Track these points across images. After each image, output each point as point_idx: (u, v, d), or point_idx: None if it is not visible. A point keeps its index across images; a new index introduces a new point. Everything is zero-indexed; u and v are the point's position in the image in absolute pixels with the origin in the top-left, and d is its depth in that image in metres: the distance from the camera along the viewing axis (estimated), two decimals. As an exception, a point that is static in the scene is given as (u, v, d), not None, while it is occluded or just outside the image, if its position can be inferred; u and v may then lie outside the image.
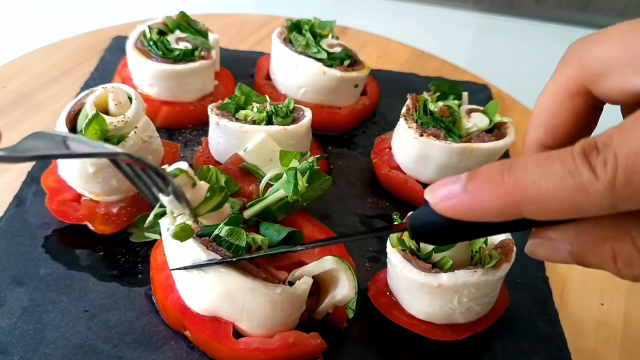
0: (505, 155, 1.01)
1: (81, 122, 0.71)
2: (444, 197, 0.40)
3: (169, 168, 0.56)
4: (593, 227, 0.39)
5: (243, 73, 1.07)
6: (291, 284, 0.66)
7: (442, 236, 0.45)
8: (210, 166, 0.72)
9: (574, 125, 0.42)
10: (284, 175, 0.71)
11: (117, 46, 1.10)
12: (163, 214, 0.59)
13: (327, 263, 0.67)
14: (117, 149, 0.51)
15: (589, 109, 0.43)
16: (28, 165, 0.83)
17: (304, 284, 0.62)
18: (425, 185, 0.86)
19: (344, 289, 0.66)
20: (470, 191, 0.39)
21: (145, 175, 0.53)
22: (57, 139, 0.48)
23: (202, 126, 0.94)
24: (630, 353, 0.75)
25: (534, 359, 0.70)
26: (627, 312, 0.80)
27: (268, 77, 1.05)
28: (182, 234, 0.57)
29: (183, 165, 0.56)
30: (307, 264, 0.67)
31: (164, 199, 0.54)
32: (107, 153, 0.51)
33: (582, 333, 0.77)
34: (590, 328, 0.78)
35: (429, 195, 0.42)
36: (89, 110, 0.70)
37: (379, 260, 0.78)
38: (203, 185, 0.57)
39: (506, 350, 0.70)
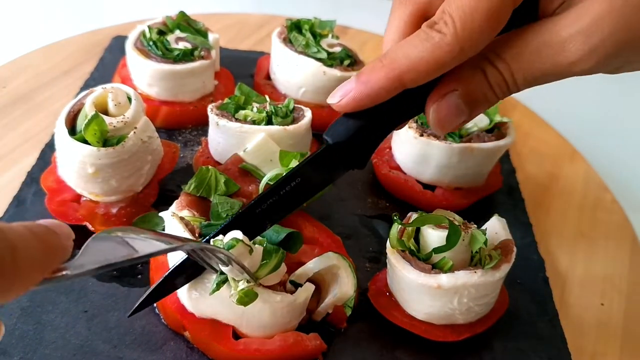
0: (506, 155, 1.01)
1: (80, 123, 0.71)
2: (343, 95, 0.51)
3: (226, 238, 0.57)
4: (464, 69, 0.50)
5: (243, 73, 1.07)
6: (293, 282, 0.66)
7: (357, 141, 0.54)
8: (210, 167, 0.72)
9: None
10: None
11: (117, 46, 1.09)
12: (225, 280, 0.59)
13: (328, 259, 0.67)
14: (183, 241, 0.53)
15: None
16: (27, 165, 0.83)
17: (304, 292, 0.63)
18: (425, 186, 0.86)
19: (344, 287, 0.66)
20: (361, 81, 0.50)
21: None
22: (117, 240, 0.46)
23: (202, 126, 0.94)
24: (630, 354, 0.75)
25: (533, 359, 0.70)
26: (628, 312, 0.80)
27: (268, 77, 1.04)
28: (245, 299, 0.58)
29: (238, 234, 0.57)
30: (305, 262, 0.67)
31: (225, 269, 0.57)
32: (174, 247, 0.51)
33: (582, 333, 0.77)
34: (591, 328, 0.78)
35: (331, 100, 0.52)
36: (88, 110, 0.70)
37: (379, 261, 0.78)
38: (259, 249, 0.59)
39: (506, 351, 0.70)
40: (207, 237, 0.59)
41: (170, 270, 0.61)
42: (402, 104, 0.52)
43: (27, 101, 0.95)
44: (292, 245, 0.70)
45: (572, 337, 0.74)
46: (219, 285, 0.59)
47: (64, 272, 0.40)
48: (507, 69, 0.49)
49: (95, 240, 0.45)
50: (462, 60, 0.48)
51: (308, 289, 0.63)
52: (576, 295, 0.82)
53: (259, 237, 0.62)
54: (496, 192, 0.91)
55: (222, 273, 0.59)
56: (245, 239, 0.57)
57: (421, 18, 0.52)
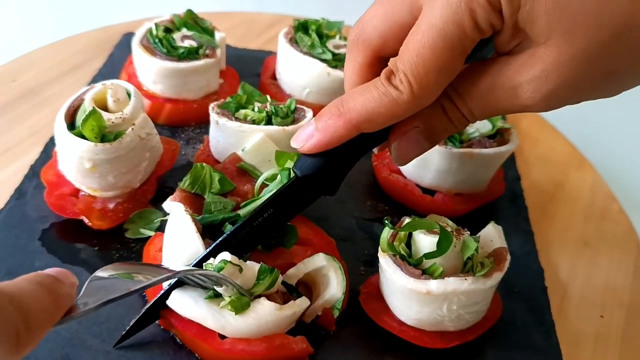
0: (512, 161, 1.00)
1: (79, 118, 0.72)
2: (304, 140, 0.55)
3: (215, 261, 0.60)
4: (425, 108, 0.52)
5: (250, 72, 1.07)
6: (285, 284, 0.66)
7: (324, 173, 0.58)
8: (205, 164, 0.73)
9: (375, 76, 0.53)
10: (279, 176, 0.71)
11: (127, 43, 1.10)
12: (217, 294, 0.62)
13: (318, 260, 0.67)
14: (173, 271, 0.56)
15: (382, 66, 0.55)
16: (31, 159, 0.84)
17: (297, 307, 0.63)
18: (425, 190, 0.86)
19: (332, 289, 0.66)
20: (320, 129, 0.54)
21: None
22: (115, 277, 0.51)
23: (205, 124, 0.94)
24: (628, 368, 0.74)
25: (527, 370, 0.69)
26: (628, 325, 0.79)
27: (274, 77, 1.05)
28: (237, 303, 0.60)
29: (227, 256, 0.60)
30: (296, 264, 0.67)
31: (219, 289, 0.60)
32: (169, 276, 0.56)
33: (580, 345, 0.75)
34: (589, 340, 0.76)
35: (294, 143, 0.57)
36: (87, 106, 0.71)
37: (374, 264, 0.78)
38: (253, 266, 0.62)
39: (498, 360, 0.69)
40: (196, 259, 0.62)
41: (149, 304, 0.63)
42: (364, 139, 0.55)
43: (35, 95, 0.96)
44: (287, 241, 0.70)
45: (568, 348, 0.73)
46: (211, 298, 0.62)
47: (70, 315, 0.45)
48: (464, 106, 0.52)
49: (95, 279, 0.50)
50: (417, 110, 0.51)
51: (302, 304, 0.63)
52: (575, 306, 0.80)
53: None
54: (499, 198, 0.90)
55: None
56: (234, 259, 0.60)
57: (376, 60, 0.56)
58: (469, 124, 0.54)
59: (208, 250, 0.63)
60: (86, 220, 0.74)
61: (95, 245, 0.74)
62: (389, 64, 0.51)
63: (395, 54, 0.53)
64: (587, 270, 0.85)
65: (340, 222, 0.84)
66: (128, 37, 1.12)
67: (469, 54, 0.49)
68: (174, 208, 0.68)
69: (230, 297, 0.61)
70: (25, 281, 0.42)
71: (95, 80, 1.00)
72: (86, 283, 0.49)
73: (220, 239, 0.63)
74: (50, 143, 0.87)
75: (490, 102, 0.50)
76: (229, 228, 0.66)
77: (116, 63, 1.05)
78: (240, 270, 0.60)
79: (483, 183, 0.86)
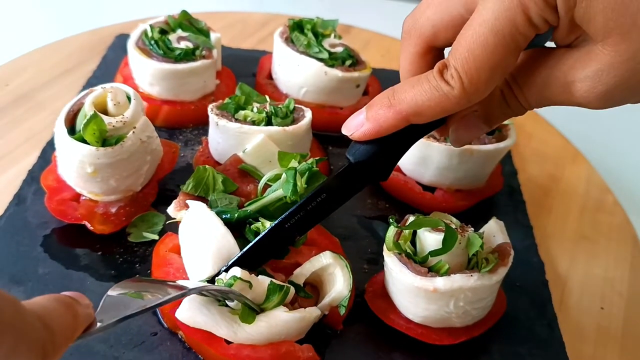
0: (508, 156, 1.01)
1: (80, 122, 0.71)
2: (354, 128, 0.55)
3: (227, 276, 0.61)
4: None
5: (245, 72, 1.07)
6: (292, 283, 0.66)
7: (377, 159, 0.57)
8: (207, 166, 0.73)
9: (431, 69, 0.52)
10: (283, 175, 0.71)
11: (119, 44, 1.10)
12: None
13: (324, 258, 0.68)
14: (186, 288, 0.56)
15: (436, 56, 0.56)
16: (29, 164, 0.84)
17: (306, 312, 0.63)
18: (425, 187, 0.86)
19: (339, 286, 0.66)
20: (371, 118, 0.54)
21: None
22: (130, 295, 0.52)
23: (202, 126, 0.94)
24: (630, 357, 0.75)
25: (532, 363, 0.70)
26: (628, 316, 0.80)
27: (270, 77, 1.04)
28: (246, 315, 0.62)
29: (237, 272, 0.60)
30: (302, 264, 0.67)
31: (230, 304, 0.62)
32: (183, 293, 0.56)
33: (582, 337, 0.76)
34: (590, 332, 0.77)
35: (345, 130, 0.56)
36: (87, 110, 0.70)
37: (377, 262, 0.78)
38: (263, 281, 0.62)
39: (503, 355, 0.70)
40: (239, 254, 0.63)
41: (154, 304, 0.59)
42: (417, 126, 0.54)
43: (29, 100, 0.95)
44: (297, 239, 0.70)
45: (571, 340, 0.74)
46: (223, 306, 0.63)
47: (89, 331, 0.46)
48: (521, 94, 0.51)
49: (111, 296, 0.51)
50: (468, 106, 0.50)
51: (311, 312, 0.64)
52: (576, 298, 0.81)
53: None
54: (497, 194, 0.91)
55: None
56: (244, 275, 0.60)
57: (429, 49, 0.55)
58: (526, 111, 0.53)
59: (263, 234, 0.63)
60: (88, 225, 0.73)
61: (98, 250, 0.73)
62: (444, 60, 0.50)
63: (449, 45, 0.53)
64: (585, 262, 0.87)
65: (342, 221, 0.84)
66: (121, 38, 1.11)
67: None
68: (195, 207, 0.67)
69: (239, 309, 0.62)
70: (47, 300, 0.43)
71: (90, 83, 1.00)
72: (102, 300, 0.50)
73: (273, 224, 0.63)
74: (48, 147, 0.86)
75: (545, 94, 0.49)
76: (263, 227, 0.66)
77: (110, 65, 1.05)
78: (250, 286, 0.60)
79: (482, 179, 0.87)
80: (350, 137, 0.56)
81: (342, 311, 0.66)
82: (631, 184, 1.09)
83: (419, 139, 0.59)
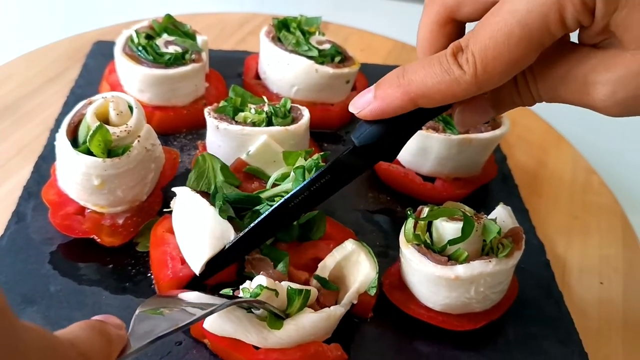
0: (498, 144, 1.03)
1: (82, 134, 0.69)
2: (362, 106, 0.54)
3: (253, 284, 0.61)
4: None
5: (231, 73, 1.06)
6: (317, 278, 0.67)
7: (382, 142, 0.57)
8: (205, 154, 0.74)
9: (448, 43, 0.51)
10: (292, 174, 0.71)
11: (99, 51, 1.07)
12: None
13: (348, 246, 0.69)
14: (219, 303, 0.56)
15: (455, 30, 0.55)
16: (22, 178, 0.81)
17: (331, 311, 0.63)
18: (425, 178, 0.88)
19: (365, 269, 0.67)
20: (379, 96, 0.52)
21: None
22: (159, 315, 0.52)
23: (196, 129, 0.93)
24: (634, 330, 0.78)
25: (544, 342, 0.72)
26: (626, 289, 0.83)
27: (257, 77, 1.04)
28: (273, 318, 0.62)
29: (262, 280, 0.60)
30: (322, 258, 0.68)
31: (256, 312, 0.62)
32: (212, 310, 0.55)
33: (586, 313, 0.79)
34: (593, 308, 0.80)
35: (352, 108, 0.55)
36: (90, 121, 0.69)
37: (388, 255, 0.79)
38: (283, 286, 0.62)
39: (517, 336, 0.72)
40: (240, 235, 0.65)
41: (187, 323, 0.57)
42: (425, 109, 0.53)
43: (15, 111, 0.92)
44: (316, 231, 0.71)
45: (576, 317, 0.77)
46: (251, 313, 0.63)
47: (124, 354, 0.46)
48: (534, 85, 0.50)
49: (141, 315, 0.51)
50: (477, 94, 0.49)
51: (335, 310, 0.64)
52: (576, 276, 0.84)
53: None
54: (491, 180, 0.93)
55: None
56: (270, 283, 0.60)
57: (449, 20, 0.54)
58: (535, 103, 0.52)
59: (269, 210, 0.64)
60: (97, 239, 0.71)
61: (109, 263, 0.72)
62: (460, 41, 0.48)
63: (470, 20, 0.52)
64: (580, 242, 0.90)
65: (347, 217, 0.85)
66: (99, 45, 1.09)
67: None
68: (180, 193, 0.68)
69: (266, 317, 0.62)
70: (78, 328, 0.43)
71: (73, 92, 0.97)
72: (132, 320, 0.50)
73: (279, 202, 0.64)
74: (41, 161, 0.83)
75: (559, 91, 0.48)
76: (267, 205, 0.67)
77: (92, 73, 1.02)
78: (277, 294, 0.60)
79: (479, 166, 0.89)
80: (357, 115, 0.55)
81: (373, 292, 0.67)
82: (614, 165, 1.13)
83: (426, 122, 0.59)
